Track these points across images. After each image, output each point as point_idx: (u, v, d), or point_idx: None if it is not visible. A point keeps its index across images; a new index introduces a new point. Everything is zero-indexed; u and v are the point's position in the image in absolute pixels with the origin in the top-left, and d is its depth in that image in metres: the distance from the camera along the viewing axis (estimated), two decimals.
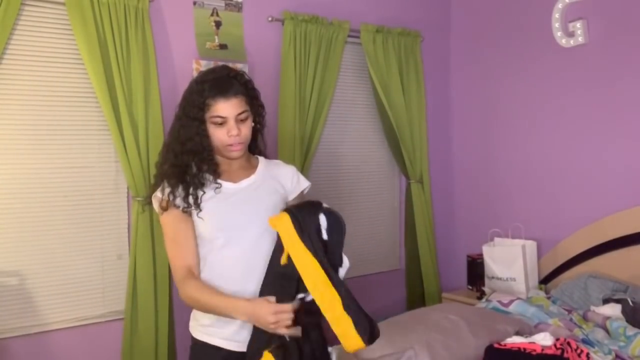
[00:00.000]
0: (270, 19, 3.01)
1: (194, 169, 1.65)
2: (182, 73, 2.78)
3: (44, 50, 2.46)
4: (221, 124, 1.63)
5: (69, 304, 2.55)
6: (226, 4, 2.91)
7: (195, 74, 2.81)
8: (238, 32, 2.94)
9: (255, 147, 1.81)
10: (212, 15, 2.87)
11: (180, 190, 1.64)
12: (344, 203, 3.40)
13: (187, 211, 1.64)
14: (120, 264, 2.65)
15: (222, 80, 1.65)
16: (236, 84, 1.66)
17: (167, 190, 1.65)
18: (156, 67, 2.63)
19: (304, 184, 1.83)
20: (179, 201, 1.64)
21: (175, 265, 1.66)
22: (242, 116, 1.65)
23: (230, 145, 1.65)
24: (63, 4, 2.44)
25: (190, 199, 1.63)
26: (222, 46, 2.90)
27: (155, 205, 1.70)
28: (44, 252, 2.48)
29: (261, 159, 1.81)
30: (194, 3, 2.82)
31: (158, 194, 1.67)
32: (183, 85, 2.75)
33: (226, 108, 1.62)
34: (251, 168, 1.76)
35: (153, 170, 2.54)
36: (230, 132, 1.63)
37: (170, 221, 1.67)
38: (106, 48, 2.48)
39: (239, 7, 2.95)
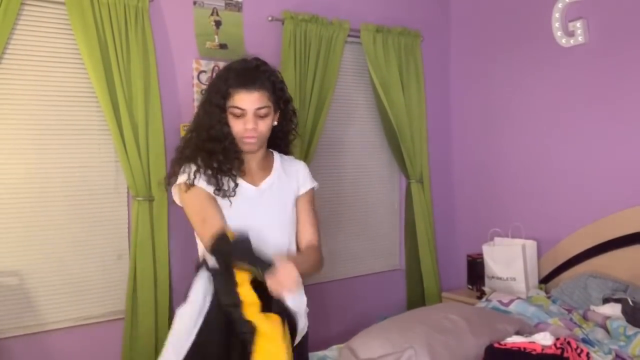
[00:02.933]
0: (270, 18, 3.01)
1: (221, 157, 1.64)
2: (182, 73, 2.78)
3: (44, 50, 2.46)
4: (239, 115, 1.62)
5: (69, 303, 2.55)
6: (226, 4, 2.91)
7: (195, 73, 2.81)
8: (238, 32, 2.95)
9: (277, 148, 1.81)
10: (212, 15, 2.87)
11: (209, 172, 1.62)
12: (343, 203, 3.40)
13: (216, 194, 1.63)
14: (120, 264, 2.65)
15: (248, 71, 1.63)
16: (262, 78, 1.63)
17: (193, 168, 1.63)
18: (156, 67, 2.63)
19: (309, 184, 1.82)
20: (203, 182, 1.62)
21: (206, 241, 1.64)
22: (262, 112, 1.62)
23: (245, 137, 1.63)
24: (63, 3, 2.44)
25: (223, 185, 1.62)
26: (222, 46, 2.90)
27: (176, 192, 1.68)
28: (44, 252, 2.48)
29: (275, 154, 1.80)
30: (194, 3, 2.82)
31: (182, 176, 1.64)
32: (183, 85, 2.79)
33: (246, 100, 1.60)
34: (268, 167, 1.76)
35: (153, 170, 2.57)
36: (246, 124, 1.61)
37: (194, 199, 1.64)
38: (106, 48, 2.48)
39: (239, 7, 2.95)
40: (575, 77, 3.10)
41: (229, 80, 1.62)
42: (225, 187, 1.64)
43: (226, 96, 1.62)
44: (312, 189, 1.83)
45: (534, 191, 3.33)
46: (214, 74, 1.74)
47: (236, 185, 1.65)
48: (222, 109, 1.63)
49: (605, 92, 2.98)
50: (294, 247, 1.78)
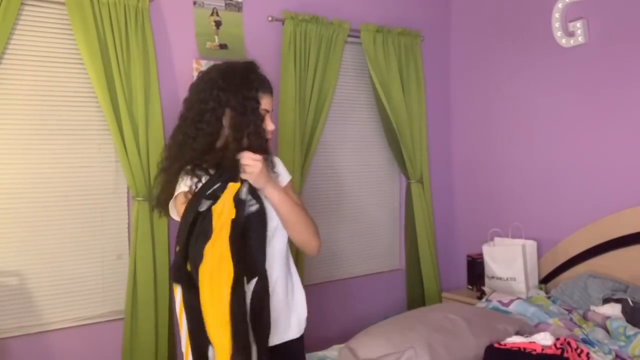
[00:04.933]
0: (270, 19, 3.01)
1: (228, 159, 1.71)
2: (182, 73, 2.78)
3: (44, 50, 2.46)
4: (263, 116, 1.76)
5: (69, 304, 2.55)
6: (226, 4, 2.91)
7: (195, 74, 2.81)
8: (238, 32, 2.95)
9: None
10: (212, 15, 2.87)
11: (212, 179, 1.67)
12: (344, 203, 3.40)
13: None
14: (120, 264, 2.65)
15: (265, 77, 1.81)
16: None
17: (195, 180, 1.66)
18: (156, 67, 2.63)
19: (285, 179, 1.82)
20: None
21: None
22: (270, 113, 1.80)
23: (268, 135, 1.77)
24: (63, 4, 2.44)
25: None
26: (222, 46, 2.90)
27: (173, 205, 1.72)
28: (44, 252, 2.48)
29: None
30: (194, 3, 2.82)
31: (184, 187, 1.66)
32: (183, 85, 2.78)
33: (269, 103, 1.78)
34: None
35: (153, 171, 2.57)
36: (269, 126, 1.76)
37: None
38: (106, 48, 2.48)
39: (239, 7, 2.95)
40: (575, 78, 3.10)
41: (254, 83, 1.74)
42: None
43: (258, 99, 1.74)
44: (290, 181, 1.85)
45: (534, 191, 3.33)
46: (222, 75, 1.75)
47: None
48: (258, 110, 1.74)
49: (605, 92, 2.98)
50: (280, 244, 1.75)
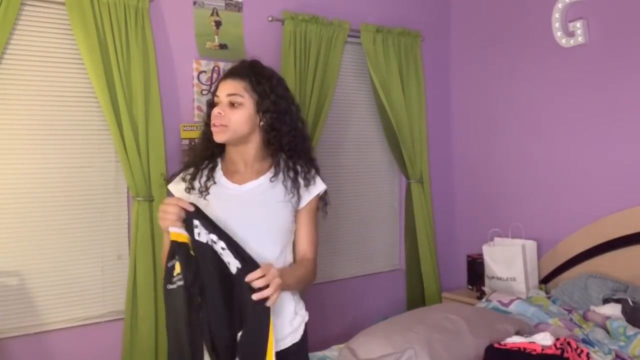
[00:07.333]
0: (270, 19, 3.01)
1: (207, 153, 1.67)
2: (182, 73, 2.78)
3: (44, 50, 2.46)
4: (217, 104, 1.61)
5: (69, 304, 2.54)
6: (226, 4, 2.91)
7: (195, 73, 2.81)
8: (238, 32, 2.95)
9: (270, 146, 1.68)
10: (212, 15, 2.87)
11: (190, 172, 1.66)
12: (343, 203, 3.40)
13: (187, 192, 1.63)
14: (120, 264, 2.65)
15: (236, 66, 1.65)
16: (246, 71, 1.60)
17: (180, 177, 1.68)
18: (156, 67, 2.63)
19: (318, 187, 1.71)
20: (176, 185, 1.67)
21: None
22: (232, 99, 1.58)
23: (212, 123, 1.59)
24: (63, 4, 2.44)
25: (199, 185, 1.63)
26: (222, 46, 2.90)
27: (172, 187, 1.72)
28: (44, 252, 2.48)
29: (281, 160, 1.68)
30: (194, 3, 2.82)
31: (180, 183, 1.68)
32: (183, 85, 2.78)
33: (221, 87, 1.61)
34: (265, 170, 1.67)
35: (153, 170, 2.58)
36: (214, 111, 1.59)
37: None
38: (106, 48, 2.48)
39: (239, 7, 2.95)
40: (575, 78, 3.10)
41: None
42: (198, 185, 1.63)
43: (215, 91, 1.65)
44: (317, 196, 1.71)
45: (534, 191, 3.33)
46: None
47: (212, 182, 1.62)
48: (211, 105, 1.66)
49: (605, 92, 2.98)
50: (288, 258, 1.68)
